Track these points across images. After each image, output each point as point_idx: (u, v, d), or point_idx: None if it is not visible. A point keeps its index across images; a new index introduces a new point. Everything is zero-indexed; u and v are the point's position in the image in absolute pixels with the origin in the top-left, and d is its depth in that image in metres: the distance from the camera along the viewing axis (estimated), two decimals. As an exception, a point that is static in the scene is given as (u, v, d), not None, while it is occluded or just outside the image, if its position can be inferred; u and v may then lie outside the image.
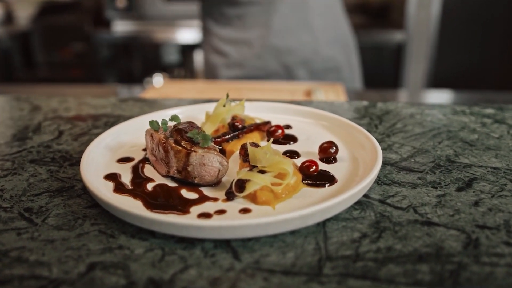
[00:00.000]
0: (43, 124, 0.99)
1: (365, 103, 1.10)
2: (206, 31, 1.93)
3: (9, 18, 4.21)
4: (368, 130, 0.91)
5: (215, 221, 0.55)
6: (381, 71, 3.44)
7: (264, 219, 0.55)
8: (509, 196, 0.66)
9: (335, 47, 1.88)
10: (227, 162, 0.69)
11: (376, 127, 0.95)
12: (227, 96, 0.86)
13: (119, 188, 0.68)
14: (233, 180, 0.65)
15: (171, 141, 0.69)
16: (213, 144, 0.70)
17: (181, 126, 0.72)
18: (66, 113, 1.05)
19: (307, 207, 0.57)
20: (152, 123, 0.73)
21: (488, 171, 0.74)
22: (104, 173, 0.72)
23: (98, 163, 0.75)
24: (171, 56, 4.31)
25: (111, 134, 0.83)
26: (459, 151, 0.82)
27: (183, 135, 0.69)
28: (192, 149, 0.67)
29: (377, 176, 0.72)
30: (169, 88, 1.77)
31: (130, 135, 0.85)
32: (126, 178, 0.71)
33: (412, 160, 0.78)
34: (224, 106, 0.85)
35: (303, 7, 1.77)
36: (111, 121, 1.00)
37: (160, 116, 0.90)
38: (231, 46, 1.83)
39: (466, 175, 0.73)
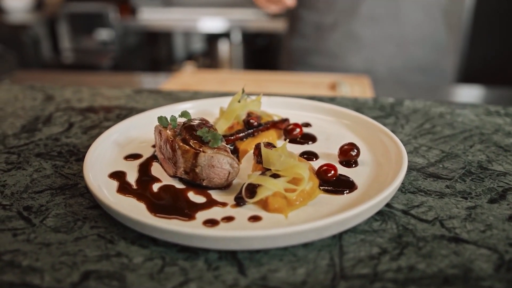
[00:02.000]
0: (54, 115, 0.96)
1: (391, 100, 1.04)
2: (292, 15, 1.85)
3: (39, 4, 4.24)
4: (393, 131, 0.85)
5: (220, 230, 0.51)
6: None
7: (274, 231, 0.50)
8: (549, 211, 0.59)
9: (423, 46, 1.72)
10: (238, 164, 0.64)
11: (402, 127, 0.88)
12: (243, 90, 0.81)
13: (124, 188, 0.64)
14: (244, 184, 0.60)
15: (178, 139, 0.64)
16: (224, 144, 0.65)
17: (191, 123, 0.67)
18: (78, 104, 1.02)
19: (322, 217, 0.52)
20: (161, 119, 0.69)
21: (524, 181, 0.67)
22: (110, 171, 0.68)
23: (104, 160, 0.71)
24: (197, 45, 4.28)
25: (120, 128, 0.79)
26: (493, 156, 0.75)
27: (192, 133, 0.64)
28: (201, 149, 0.62)
29: (401, 183, 0.66)
30: (190, 78, 1.73)
31: (140, 130, 0.81)
32: (132, 177, 0.67)
33: (440, 166, 0.72)
34: (239, 101, 0.80)
35: None
36: (124, 113, 0.97)
37: (172, 110, 0.86)
38: (315, 30, 1.75)
39: (500, 185, 0.66)
